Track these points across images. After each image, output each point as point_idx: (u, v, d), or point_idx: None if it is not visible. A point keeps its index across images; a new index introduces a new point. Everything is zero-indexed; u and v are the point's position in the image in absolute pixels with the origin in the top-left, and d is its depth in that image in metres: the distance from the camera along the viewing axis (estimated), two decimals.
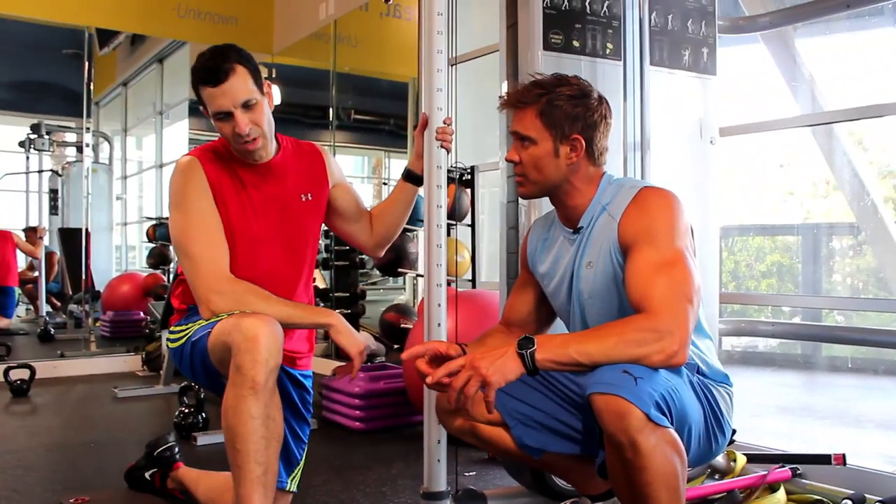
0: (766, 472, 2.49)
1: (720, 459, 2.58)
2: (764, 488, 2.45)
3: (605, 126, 1.86)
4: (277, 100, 2.19)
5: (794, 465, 2.55)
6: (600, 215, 1.83)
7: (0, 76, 8.60)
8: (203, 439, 3.41)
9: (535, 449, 1.90)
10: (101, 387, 4.97)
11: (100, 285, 7.54)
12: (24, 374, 4.75)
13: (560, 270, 1.92)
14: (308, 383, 2.25)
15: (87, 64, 6.64)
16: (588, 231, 1.85)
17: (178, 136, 8.60)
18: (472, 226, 4.21)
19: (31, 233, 7.75)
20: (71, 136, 8.96)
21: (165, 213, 7.73)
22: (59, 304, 8.52)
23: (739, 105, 4.53)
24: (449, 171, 2.17)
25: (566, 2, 2.52)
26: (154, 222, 7.54)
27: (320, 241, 3.56)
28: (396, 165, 9.66)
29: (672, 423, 1.55)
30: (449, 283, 2.16)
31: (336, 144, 6.68)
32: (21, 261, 8.23)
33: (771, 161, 6.12)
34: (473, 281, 4.23)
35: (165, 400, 4.51)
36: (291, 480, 2.18)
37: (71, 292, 7.90)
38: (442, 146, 2.13)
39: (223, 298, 1.90)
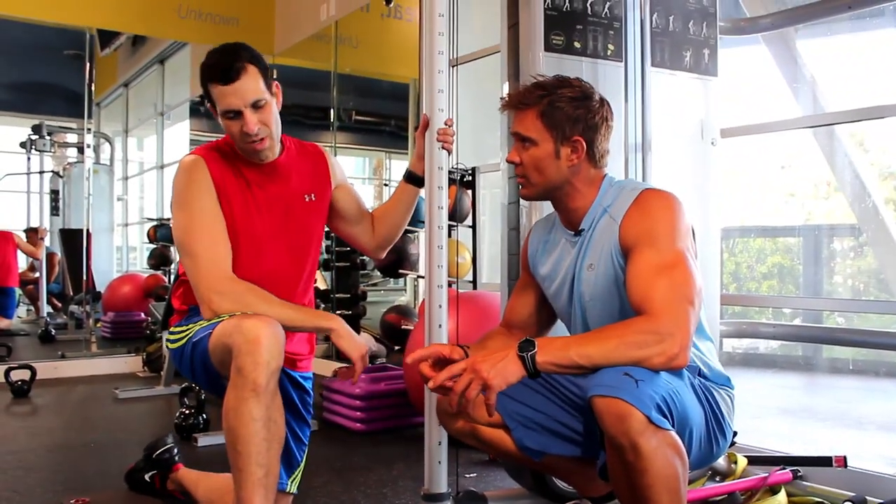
0: (767, 475, 2.48)
1: (721, 461, 2.58)
2: (765, 490, 2.45)
3: (606, 128, 1.85)
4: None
5: (795, 468, 2.55)
6: (601, 217, 1.83)
7: (1, 77, 8.61)
8: (204, 440, 3.41)
9: (536, 451, 1.90)
10: (102, 388, 4.97)
11: (101, 286, 7.54)
12: (24, 374, 4.75)
13: (561, 273, 1.91)
14: (308, 385, 2.25)
15: (88, 65, 6.64)
16: (589, 233, 1.85)
17: (180, 137, 8.61)
18: (473, 227, 4.21)
19: (32, 234, 7.76)
20: (72, 137, 8.97)
21: (166, 214, 7.73)
22: (59, 304, 8.53)
23: (741, 106, 4.53)
24: (450, 173, 2.17)
25: (567, 3, 2.51)
26: (155, 223, 7.54)
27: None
28: (397, 166, 9.66)
29: (673, 426, 1.55)
30: (450, 285, 2.15)
31: (337, 145, 6.68)
32: (22, 261, 8.24)
33: (772, 162, 6.11)
34: (474, 282, 4.23)
35: (166, 401, 4.51)
36: (292, 482, 2.18)
37: (72, 293, 7.91)
38: (443, 147, 2.13)
39: (225, 299, 1.89)
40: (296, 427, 2.19)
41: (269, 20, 6.30)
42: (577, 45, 2.54)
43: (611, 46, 2.61)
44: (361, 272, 4.94)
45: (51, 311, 8.30)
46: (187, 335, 2.01)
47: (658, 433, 1.50)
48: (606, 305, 1.82)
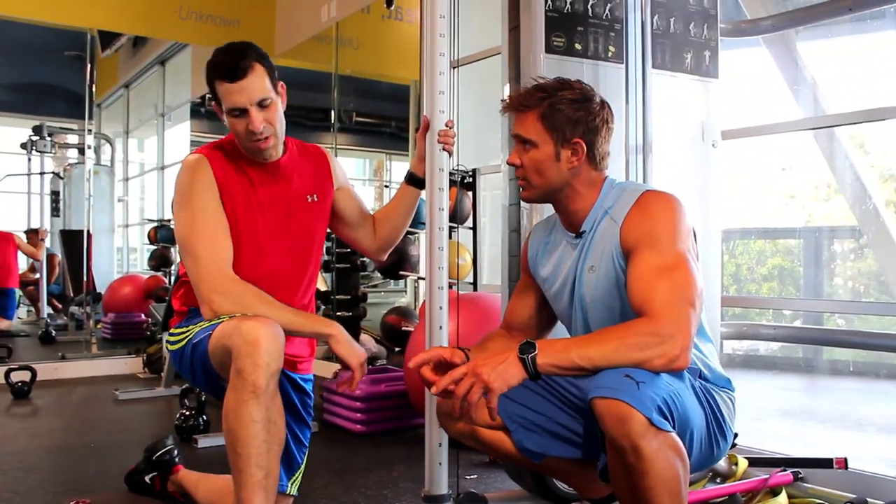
0: (767, 476, 2.48)
1: (722, 463, 2.58)
2: (766, 492, 2.45)
3: (606, 131, 1.85)
4: None
5: (795, 469, 2.55)
6: (602, 219, 1.83)
7: (2, 78, 8.61)
8: (204, 442, 3.41)
9: (536, 453, 1.90)
10: (103, 389, 4.97)
11: (101, 287, 7.54)
12: (25, 375, 4.75)
13: (562, 275, 1.91)
14: (309, 387, 2.25)
15: (88, 66, 6.65)
16: (590, 235, 1.85)
17: (180, 138, 8.61)
18: (474, 229, 4.21)
19: (33, 235, 7.76)
20: (73, 138, 8.98)
21: (167, 216, 7.74)
22: (60, 305, 8.53)
23: (742, 108, 4.53)
24: (450, 174, 2.17)
25: (568, 5, 2.52)
26: (155, 224, 7.54)
27: None
28: (398, 168, 9.66)
29: (674, 428, 1.55)
30: (450, 286, 2.16)
31: (337, 147, 6.68)
32: (22, 262, 8.24)
33: (772, 164, 6.11)
34: (475, 284, 4.23)
35: (166, 402, 4.51)
36: (292, 484, 2.18)
37: (72, 294, 7.91)
38: (444, 149, 2.14)
39: (226, 299, 1.89)
40: (296, 429, 2.19)
41: (269, 21, 6.31)
42: (578, 46, 2.54)
43: (612, 48, 2.62)
44: (362, 273, 4.94)
45: (51, 312, 8.30)
46: (187, 337, 2.01)
47: (659, 435, 1.50)
48: (607, 307, 1.82)
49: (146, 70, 8.80)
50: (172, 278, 7.04)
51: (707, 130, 2.87)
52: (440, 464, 2.14)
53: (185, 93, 7.99)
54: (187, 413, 3.55)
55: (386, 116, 9.00)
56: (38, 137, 8.00)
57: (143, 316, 7.16)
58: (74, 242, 7.50)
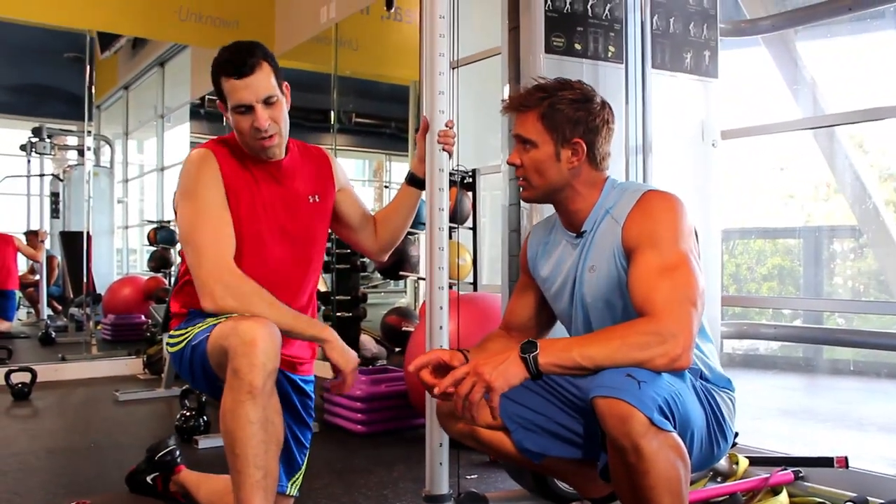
0: (768, 475, 2.48)
1: (722, 462, 2.58)
2: (766, 491, 2.45)
3: (607, 131, 1.85)
4: None
5: (796, 468, 2.55)
6: (603, 219, 1.83)
7: (1, 79, 8.61)
8: (204, 443, 3.41)
9: (536, 453, 1.90)
10: (103, 390, 4.97)
11: (101, 289, 7.54)
12: (25, 377, 4.74)
13: (562, 274, 1.91)
14: (309, 388, 2.25)
15: (88, 67, 6.65)
16: (591, 235, 1.84)
17: (180, 140, 8.61)
18: (474, 229, 4.21)
19: (32, 236, 7.76)
20: (72, 140, 8.98)
21: (167, 217, 7.74)
22: (60, 307, 8.53)
23: (741, 108, 4.53)
24: (450, 174, 2.17)
25: (568, 5, 2.52)
26: (155, 226, 7.54)
27: None
28: (397, 169, 9.66)
29: (675, 427, 1.55)
30: (451, 287, 2.16)
31: (337, 148, 6.68)
32: (22, 264, 8.24)
33: (771, 164, 6.11)
34: (475, 284, 4.23)
35: (167, 403, 4.51)
36: (292, 485, 2.18)
37: (72, 296, 7.91)
38: (444, 149, 2.13)
39: (228, 291, 1.87)
40: (297, 430, 2.19)
41: (269, 23, 6.31)
42: (577, 46, 2.54)
43: (611, 48, 2.62)
44: (362, 274, 4.94)
45: (51, 313, 8.30)
46: (186, 339, 2.01)
47: (660, 435, 1.50)
48: (608, 307, 1.82)
49: (145, 71, 8.80)
50: (172, 279, 7.04)
51: (707, 130, 2.88)
52: (441, 464, 2.14)
53: (185, 94, 7.99)
54: (188, 414, 3.56)
55: (385, 117, 9.00)
56: (37, 139, 8.01)
57: (142, 317, 7.16)
58: (74, 244, 7.50)
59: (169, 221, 7.53)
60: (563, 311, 1.94)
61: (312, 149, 2.22)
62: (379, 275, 5.63)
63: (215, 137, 2.12)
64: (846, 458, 2.44)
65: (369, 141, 9.46)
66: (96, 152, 8.94)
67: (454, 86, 2.18)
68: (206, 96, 7.63)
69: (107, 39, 7.71)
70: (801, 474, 2.55)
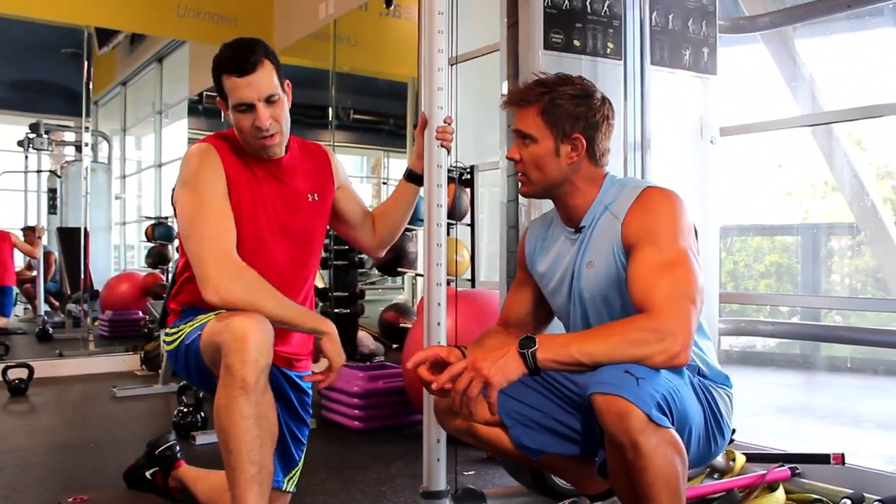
0: (765, 472, 2.49)
1: (720, 459, 2.58)
2: (763, 488, 2.45)
3: (607, 127, 1.85)
4: None
5: (793, 465, 2.55)
6: (602, 215, 1.83)
7: None
8: (202, 438, 3.41)
9: (533, 449, 1.90)
10: (100, 386, 4.97)
11: (98, 285, 7.55)
12: (22, 373, 4.74)
13: (560, 270, 1.91)
14: (306, 385, 2.24)
15: (86, 63, 6.64)
16: (590, 231, 1.84)
17: (178, 136, 8.60)
18: (472, 225, 4.21)
19: (30, 232, 7.75)
20: (70, 136, 8.97)
21: (164, 213, 7.74)
22: (57, 303, 8.53)
23: (740, 104, 4.53)
24: (448, 171, 2.17)
25: (567, 1, 2.52)
26: (153, 221, 7.54)
27: None
28: (395, 165, 9.67)
29: (673, 424, 1.55)
30: (448, 283, 2.15)
31: (335, 144, 6.68)
32: (19, 260, 8.24)
33: (769, 161, 6.12)
34: (473, 280, 4.23)
35: (164, 399, 4.51)
36: (288, 481, 2.17)
37: (69, 292, 7.91)
38: (442, 145, 2.13)
39: (235, 284, 1.83)
40: (294, 427, 2.18)
41: (267, 18, 6.30)
42: (576, 43, 2.54)
43: (610, 45, 2.62)
44: (359, 270, 4.94)
45: (48, 309, 8.30)
46: (180, 336, 2.00)
47: (658, 431, 1.50)
48: (606, 303, 1.82)
49: (143, 67, 8.79)
50: (170, 276, 7.04)
51: (705, 127, 2.88)
52: (438, 460, 2.13)
53: (183, 90, 7.98)
54: (185, 410, 3.56)
55: (384, 114, 9.00)
56: (35, 135, 7.99)
57: (140, 313, 7.16)
58: (72, 240, 7.51)
59: (167, 218, 7.53)
60: (561, 306, 1.94)
61: (312, 146, 2.21)
62: (377, 271, 5.63)
63: (215, 133, 2.10)
64: (843, 455, 2.45)
65: (367, 137, 9.46)
66: (94, 148, 8.94)
67: (453, 82, 2.17)
68: (205, 92, 7.63)
69: (105, 35, 7.70)
70: (797, 471, 2.56)
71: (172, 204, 2.08)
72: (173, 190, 2.11)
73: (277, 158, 2.04)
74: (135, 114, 9.49)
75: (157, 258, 7.35)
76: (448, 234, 2.19)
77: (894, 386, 5.41)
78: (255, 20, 6.26)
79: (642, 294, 1.63)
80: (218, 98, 1.99)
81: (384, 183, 10.04)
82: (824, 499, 2.42)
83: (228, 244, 1.90)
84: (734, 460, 2.60)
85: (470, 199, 4.19)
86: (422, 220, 2.20)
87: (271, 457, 1.84)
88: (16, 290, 8.03)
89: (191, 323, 1.98)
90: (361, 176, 10.62)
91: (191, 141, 8.09)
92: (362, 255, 4.78)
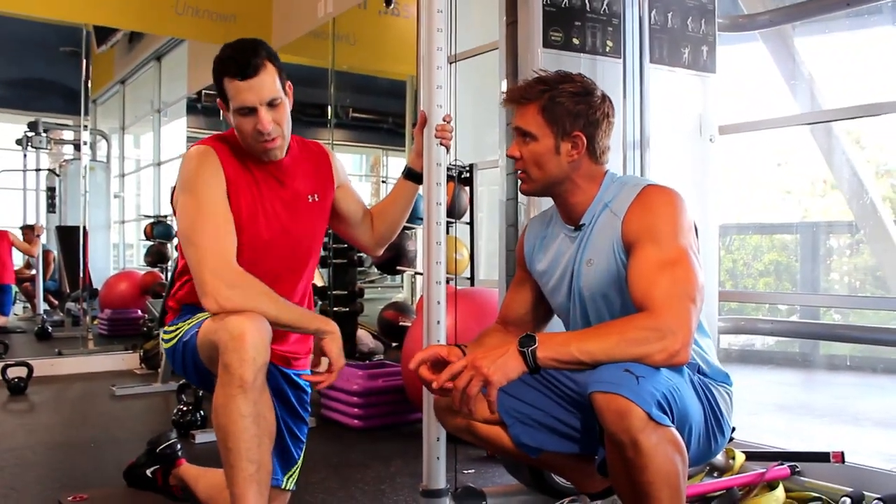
0: (764, 470, 2.48)
1: (719, 457, 2.58)
2: (763, 486, 2.45)
3: (607, 124, 1.85)
4: None
5: (792, 463, 2.55)
6: (602, 213, 1.83)
7: None
8: (201, 437, 3.41)
9: (533, 448, 1.90)
10: (99, 385, 4.97)
11: (97, 283, 7.55)
12: (21, 371, 4.74)
13: (560, 268, 1.91)
14: (305, 383, 2.24)
15: (84, 61, 6.63)
16: (590, 228, 1.84)
17: (176, 134, 8.60)
18: (471, 224, 4.21)
19: (28, 231, 7.75)
20: (68, 134, 8.97)
21: (163, 211, 7.73)
22: (56, 302, 8.52)
23: (739, 103, 4.53)
24: (448, 169, 2.17)
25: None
26: (152, 220, 7.54)
27: None
28: (394, 163, 9.67)
29: (673, 422, 1.55)
30: (448, 281, 2.15)
31: (334, 143, 6.68)
32: (18, 259, 8.23)
33: (768, 159, 6.12)
34: (472, 279, 4.23)
35: (164, 398, 4.51)
36: (288, 479, 2.17)
37: (68, 290, 7.91)
38: (441, 144, 2.13)
39: (235, 292, 1.82)
40: (293, 425, 2.18)
41: (266, 17, 6.29)
42: (575, 41, 2.54)
43: (609, 43, 2.61)
44: (359, 269, 4.94)
45: (47, 308, 8.30)
46: (178, 335, 2.00)
47: (658, 430, 1.50)
48: (606, 301, 1.81)
49: (142, 66, 8.79)
50: (169, 274, 7.04)
51: (704, 125, 2.88)
52: (438, 458, 2.13)
53: (182, 89, 7.98)
54: (184, 409, 3.56)
55: (382, 112, 9.01)
56: (33, 133, 7.98)
57: (139, 312, 7.16)
58: (70, 239, 7.50)
59: (166, 216, 7.53)
60: (561, 304, 1.94)
61: (312, 145, 2.19)
62: (376, 270, 5.63)
63: (215, 134, 2.07)
64: (842, 453, 2.45)
65: (366, 136, 9.46)
66: (93, 147, 8.93)
67: (452, 80, 2.17)
68: (203, 91, 7.63)
69: (103, 34, 7.70)
70: (797, 469, 2.56)
71: (172, 205, 2.07)
72: (173, 189, 2.10)
73: (278, 160, 2.03)
74: (133, 112, 9.49)
75: (155, 257, 7.35)
76: (447, 232, 2.19)
77: (893, 384, 5.41)
78: (254, 18, 6.26)
79: (642, 292, 1.63)
80: (218, 99, 1.97)
81: (383, 181, 10.05)
82: (824, 497, 2.42)
83: (227, 251, 1.89)
84: (734, 459, 2.60)
85: (469, 197, 4.19)
86: (421, 219, 2.20)
87: (270, 455, 1.84)
88: (15, 288, 8.03)
89: (189, 321, 1.97)
90: (360, 174, 10.62)
91: (189, 139, 8.09)
92: (361, 254, 4.78)
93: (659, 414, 1.50)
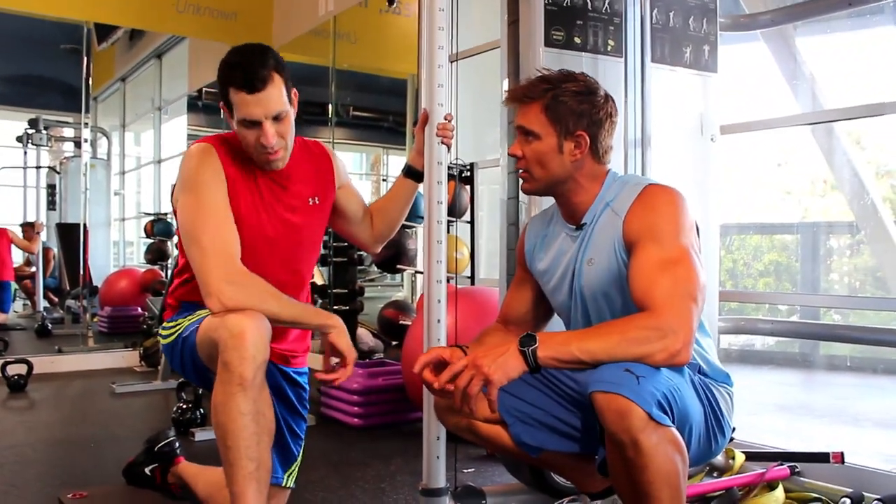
0: (764, 470, 2.48)
1: (719, 457, 2.58)
2: (762, 486, 2.45)
3: (610, 124, 1.85)
4: None
5: (792, 464, 2.55)
6: (604, 212, 1.83)
7: None
8: (201, 435, 3.41)
9: (534, 447, 1.90)
10: (99, 382, 4.97)
11: (98, 281, 7.55)
12: (21, 369, 4.74)
13: (561, 267, 1.91)
14: (303, 380, 2.24)
15: (85, 59, 6.62)
16: (591, 228, 1.84)
17: (177, 132, 8.60)
18: (472, 223, 4.20)
19: (28, 228, 7.75)
20: (69, 132, 8.97)
21: (163, 209, 7.73)
22: (56, 299, 8.52)
23: (741, 102, 4.53)
24: (448, 168, 2.17)
25: None
26: (152, 218, 7.53)
27: None
28: (395, 162, 9.67)
29: (673, 422, 1.55)
30: (448, 280, 2.15)
31: (335, 141, 6.68)
32: (18, 256, 8.23)
33: (768, 159, 6.12)
34: (472, 278, 4.23)
35: (163, 395, 4.51)
36: (288, 476, 2.17)
37: (69, 288, 7.91)
38: (442, 142, 2.13)
39: (238, 291, 1.81)
40: (291, 422, 2.19)
41: (267, 15, 6.28)
42: (577, 40, 2.54)
43: (611, 42, 2.61)
44: (359, 268, 4.93)
45: (47, 305, 8.30)
46: (177, 331, 2.00)
47: (659, 430, 1.50)
48: (607, 300, 1.81)
49: (143, 63, 8.78)
50: (169, 272, 7.04)
51: (706, 125, 2.88)
52: (438, 457, 2.13)
53: (182, 86, 7.97)
54: (184, 406, 3.55)
55: (383, 111, 9.00)
56: (34, 131, 7.97)
57: (139, 309, 7.16)
58: (71, 236, 7.50)
59: (166, 214, 7.52)
60: (562, 303, 1.93)
61: (313, 146, 2.17)
62: (376, 268, 5.63)
63: (216, 134, 2.06)
64: (842, 454, 2.45)
65: (367, 134, 9.46)
66: (93, 144, 8.93)
67: (453, 79, 2.17)
68: (204, 89, 7.62)
69: (104, 31, 7.69)
70: (797, 469, 2.56)
71: (172, 203, 2.06)
72: (173, 187, 2.09)
73: None
74: (134, 110, 9.48)
75: (156, 254, 7.34)
76: (448, 231, 2.18)
77: (893, 385, 5.41)
78: (255, 16, 6.25)
79: (643, 292, 1.63)
80: (221, 103, 1.94)
81: (383, 180, 10.05)
82: (823, 497, 2.42)
83: (230, 250, 1.88)
84: (733, 459, 2.60)
85: (470, 196, 4.19)
86: (422, 217, 2.20)
87: (269, 453, 1.84)
88: (14, 285, 8.03)
89: (188, 317, 1.97)
90: (361, 173, 10.62)
91: (190, 137, 8.09)
92: (362, 253, 4.77)
93: (659, 414, 1.50)
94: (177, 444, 2.51)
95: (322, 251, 4.96)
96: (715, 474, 2.59)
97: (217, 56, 1.95)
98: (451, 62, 2.16)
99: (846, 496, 2.33)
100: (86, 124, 7.24)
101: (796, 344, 5.78)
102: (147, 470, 2.51)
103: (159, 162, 8.71)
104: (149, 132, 9.23)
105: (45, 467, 3.09)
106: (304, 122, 7.62)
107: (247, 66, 1.85)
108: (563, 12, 2.51)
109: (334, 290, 4.82)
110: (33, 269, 8.19)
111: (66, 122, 8.84)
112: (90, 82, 6.83)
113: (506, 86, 2.54)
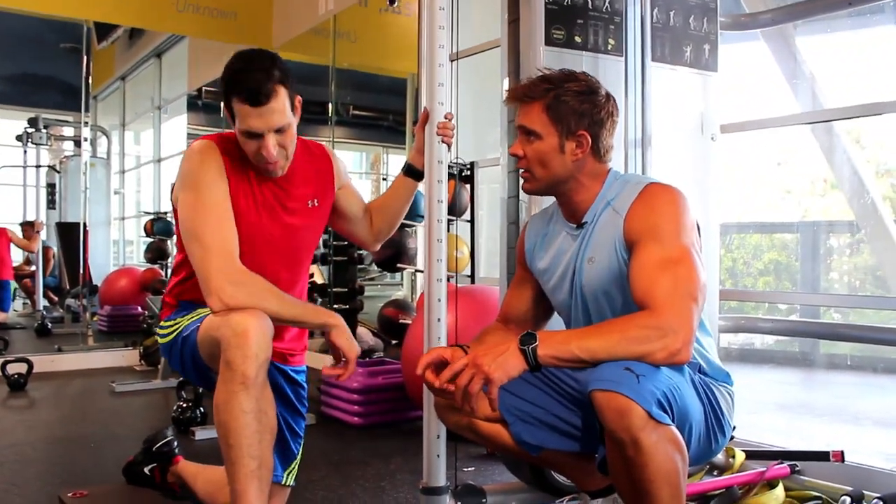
0: (764, 469, 2.49)
1: (719, 456, 2.58)
2: (762, 485, 2.45)
3: (611, 124, 1.85)
4: None
5: (792, 462, 2.55)
6: (604, 211, 1.83)
7: None
8: (201, 434, 3.41)
9: (534, 446, 1.90)
10: (99, 381, 4.97)
11: (97, 280, 7.55)
12: (21, 368, 4.74)
13: (561, 266, 1.91)
14: (301, 378, 2.24)
15: (85, 58, 6.62)
16: (592, 226, 1.84)
17: (177, 131, 8.59)
18: (472, 221, 4.20)
19: (28, 227, 7.75)
20: (69, 131, 8.96)
21: (163, 208, 7.73)
22: (56, 298, 8.52)
23: (741, 101, 4.53)
24: (449, 167, 2.17)
25: None
26: (152, 217, 7.51)
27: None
28: (395, 161, 9.66)
29: (673, 421, 1.55)
30: (448, 279, 2.15)
31: (335, 140, 6.67)
32: (18, 255, 8.23)
33: (769, 158, 6.12)
34: (472, 276, 4.23)
35: (163, 394, 4.51)
36: (288, 475, 2.18)
37: (68, 287, 7.90)
38: (443, 141, 2.13)
39: (239, 290, 1.81)
40: (290, 420, 2.19)
41: (267, 14, 6.28)
42: (577, 39, 2.54)
43: (611, 41, 2.61)
44: (359, 266, 4.93)
45: (47, 304, 8.29)
46: (176, 330, 1.99)
47: (658, 428, 1.50)
48: (608, 299, 1.81)
49: (142, 62, 8.78)
50: (169, 271, 7.04)
51: (706, 124, 2.88)
52: (438, 456, 2.13)
53: (182, 85, 7.97)
54: (184, 405, 3.55)
55: (383, 110, 8.99)
56: (33, 129, 7.96)
57: (139, 308, 7.16)
58: (71, 235, 7.50)
59: (166, 213, 7.52)
60: (563, 302, 1.93)
61: (313, 147, 2.17)
62: (376, 267, 5.62)
63: (217, 133, 2.06)
64: (842, 453, 2.45)
65: (367, 133, 9.45)
66: (93, 143, 8.92)
67: (453, 78, 2.17)
68: (204, 88, 7.62)
69: (104, 30, 7.68)
70: (797, 468, 2.56)
71: (172, 201, 2.06)
72: (173, 186, 2.09)
73: None
74: (134, 109, 9.47)
75: (156, 253, 7.33)
76: (448, 230, 2.19)
77: (893, 383, 5.41)
78: (255, 16, 6.25)
79: (644, 291, 1.63)
80: (223, 106, 1.93)
81: (383, 179, 10.04)
82: (823, 496, 2.42)
83: (231, 248, 1.88)
84: (734, 457, 2.60)
85: (470, 195, 4.19)
86: (422, 216, 2.20)
87: (271, 452, 1.84)
88: (14, 284, 8.02)
89: (188, 316, 1.97)
90: (360, 172, 10.61)
91: (190, 136, 8.08)
92: (362, 251, 4.77)
93: (659, 412, 1.50)
94: (175, 444, 2.51)
95: (322, 250, 4.98)
96: (715, 473, 2.59)
97: (217, 55, 1.95)
98: (452, 61, 2.16)
99: (846, 495, 2.33)
100: (86, 123, 7.23)
101: (796, 343, 5.79)
102: (146, 469, 2.51)
103: (159, 161, 8.71)
104: (148, 131, 9.23)
105: (45, 466, 3.09)
106: (305, 121, 7.60)
107: (251, 78, 1.83)
108: (564, 11, 2.51)
109: (334, 289, 4.82)
110: (33, 268, 8.18)
111: (66, 121, 8.83)
112: (90, 81, 6.82)
113: (506, 85, 2.54)
